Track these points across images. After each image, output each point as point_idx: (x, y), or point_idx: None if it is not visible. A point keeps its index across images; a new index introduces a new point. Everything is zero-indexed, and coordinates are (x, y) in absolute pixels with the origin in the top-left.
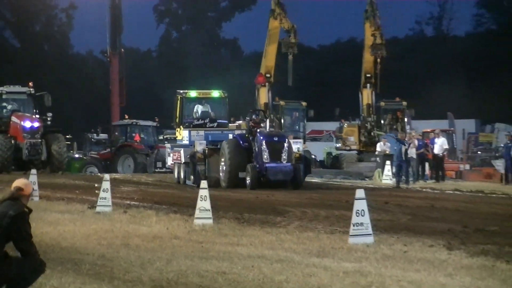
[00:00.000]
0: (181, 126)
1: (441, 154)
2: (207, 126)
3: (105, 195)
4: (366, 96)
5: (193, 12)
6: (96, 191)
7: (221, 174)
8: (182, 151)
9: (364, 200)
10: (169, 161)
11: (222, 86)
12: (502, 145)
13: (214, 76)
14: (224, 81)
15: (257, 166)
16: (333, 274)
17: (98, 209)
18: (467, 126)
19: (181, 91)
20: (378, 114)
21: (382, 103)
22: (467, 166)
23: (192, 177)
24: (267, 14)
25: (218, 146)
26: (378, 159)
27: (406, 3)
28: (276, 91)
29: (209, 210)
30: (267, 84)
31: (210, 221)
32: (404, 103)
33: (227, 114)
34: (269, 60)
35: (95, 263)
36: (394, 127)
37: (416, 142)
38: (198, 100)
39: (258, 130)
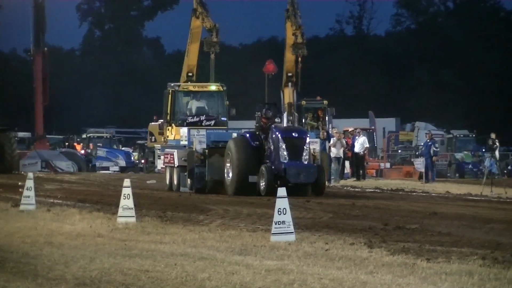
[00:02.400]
0: (172, 124)
1: (362, 153)
2: (203, 124)
3: (28, 194)
4: (287, 94)
5: (115, 11)
6: (20, 190)
7: (226, 178)
8: (175, 153)
9: (286, 199)
10: (159, 164)
11: (145, 86)
12: (422, 143)
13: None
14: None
15: (273, 167)
16: (256, 272)
17: (21, 207)
18: (388, 125)
19: (173, 84)
20: (299, 112)
21: (303, 102)
22: (388, 165)
23: (188, 182)
24: (189, 14)
25: (220, 146)
26: None
27: (326, 3)
28: None
29: (132, 208)
30: (188, 82)
31: (133, 219)
32: (325, 101)
33: (226, 110)
34: (191, 59)
35: (18, 261)
36: (316, 126)
37: (344, 141)
38: (193, 95)
39: (273, 126)
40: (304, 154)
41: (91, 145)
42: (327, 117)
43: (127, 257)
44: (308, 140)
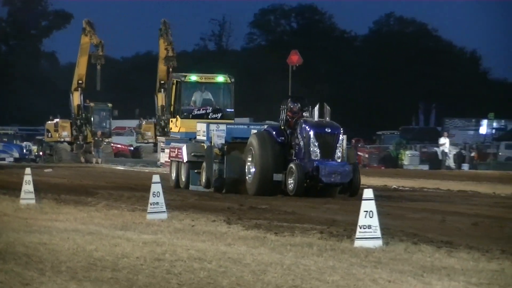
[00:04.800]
0: (177, 116)
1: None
2: (209, 117)
3: None
4: (161, 98)
5: (19, 30)
6: None
7: (247, 176)
8: (184, 148)
9: (159, 184)
10: (162, 158)
11: (43, 91)
12: None
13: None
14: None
15: (303, 164)
16: (134, 244)
17: None
18: None
19: (178, 74)
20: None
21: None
22: None
23: (203, 179)
24: (80, 32)
25: (239, 141)
26: None
27: (192, 23)
28: (87, 95)
29: (32, 192)
30: (79, 89)
31: (33, 201)
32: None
33: (233, 103)
34: (81, 69)
35: None
36: None
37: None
38: (199, 86)
39: (303, 120)
40: (337, 152)
41: None
42: None
43: (28, 233)
44: (341, 136)
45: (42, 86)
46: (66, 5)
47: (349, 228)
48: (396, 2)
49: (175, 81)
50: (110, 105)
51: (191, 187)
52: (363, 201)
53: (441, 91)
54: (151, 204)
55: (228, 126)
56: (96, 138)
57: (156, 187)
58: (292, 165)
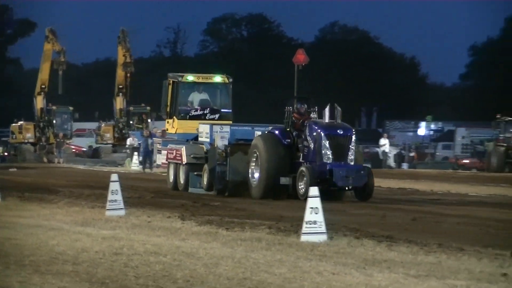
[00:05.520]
0: (174, 117)
1: None
2: (207, 117)
3: None
4: (119, 102)
5: None
6: None
7: (251, 180)
8: (184, 149)
9: (118, 182)
10: (159, 160)
11: (9, 95)
12: None
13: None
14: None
15: (314, 167)
16: (94, 239)
17: None
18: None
19: (175, 74)
20: (128, 116)
21: (131, 108)
22: None
23: (204, 181)
24: (43, 39)
25: (242, 143)
26: (128, 150)
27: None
28: (49, 99)
29: None
30: (42, 93)
31: None
32: (148, 108)
33: (231, 103)
34: (44, 75)
35: None
36: (141, 127)
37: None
38: (196, 86)
39: (312, 121)
40: (350, 154)
41: None
42: (150, 120)
43: None
44: (354, 138)
45: (7, 90)
46: (30, 14)
47: (295, 224)
48: (340, 11)
49: (171, 81)
50: (71, 108)
51: (191, 189)
52: (308, 199)
53: (382, 95)
54: (109, 202)
55: (232, 127)
56: (58, 140)
57: (114, 186)
58: (303, 168)
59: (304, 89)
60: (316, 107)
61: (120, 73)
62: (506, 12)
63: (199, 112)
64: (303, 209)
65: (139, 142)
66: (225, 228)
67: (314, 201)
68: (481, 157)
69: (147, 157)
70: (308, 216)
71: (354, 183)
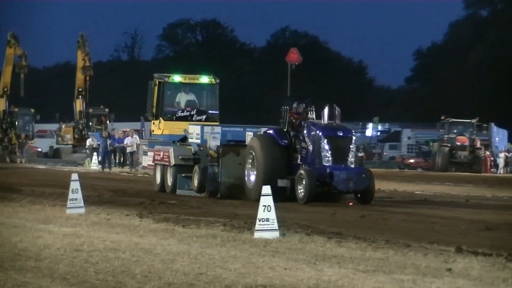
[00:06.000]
0: (160, 118)
1: (134, 148)
2: (193, 118)
3: None
4: (79, 104)
5: None
6: None
7: (247, 182)
8: (171, 150)
9: (78, 181)
10: (145, 161)
11: None
12: None
13: None
14: None
15: (314, 170)
16: (55, 236)
17: None
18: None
19: (161, 75)
20: (87, 117)
21: (90, 110)
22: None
23: (195, 183)
24: (5, 44)
25: (235, 144)
26: (87, 151)
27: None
28: (12, 101)
29: None
30: (4, 95)
31: None
32: (107, 110)
33: (218, 104)
34: (6, 78)
35: None
36: (100, 128)
37: (129, 137)
38: (182, 87)
39: (310, 122)
40: (350, 156)
41: None
42: (108, 121)
43: None
44: (354, 139)
45: None
46: None
47: (249, 221)
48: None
49: (157, 82)
50: (32, 110)
51: (179, 191)
52: (261, 197)
53: (331, 98)
54: (70, 200)
55: (223, 128)
56: (20, 140)
57: (75, 185)
58: (302, 171)
59: (252, 92)
60: (313, 107)
61: (79, 76)
62: (449, 18)
63: (185, 113)
64: (256, 207)
65: (98, 142)
66: (182, 225)
67: (266, 199)
68: (426, 157)
69: (106, 157)
70: (261, 213)
71: (355, 187)
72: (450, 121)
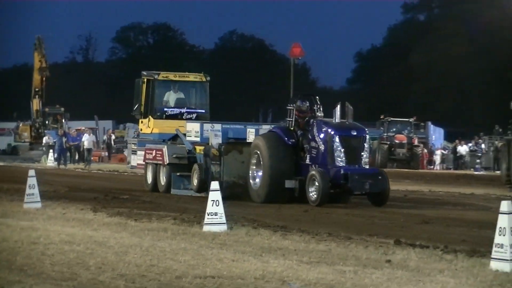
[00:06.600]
0: (149, 117)
1: (90, 146)
2: (184, 117)
3: None
4: (36, 103)
5: None
6: None
7: (251, 182)
8: (165, 149)
9: (35, 177)
10: (134, 161)
11: None
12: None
13: None
14: None
15: (326, 171)
16: (13, 229)
17: None
18: (107, 125)
19: (150, 72)
20: (44, 116)
21: (47, 109)
22: (106, 153)
23: (194, 182)
24: None
25: (237, 142)
26: (44, 148)
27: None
28: None
29: None
30: None
31: None
32: (62, 108)
33: (208, 102)
34: None
35: None
36: (56, 126)
37: (86, 135)
38: (172, 84)
39: (320, 121)
40: (364, 156)
41: None
42: (64, 120)
43: None
44: (368, 138)
45: None
46: None
47: (198, 215)
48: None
49: (145, 80)
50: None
51: (174, 191)
52: (210, 192)
53: (276, 97)
54: (27, 195)
55: (223, 125)
56: None
57: (32, 180)
58: (314, 172)
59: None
60: (320, 105)
61: (36, 77)
62: (388, 22)
63: (175, 112)
64: (205, 202)
65: (54, 140)
66: (134, 219)
67: (215, 194)
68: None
69: (62, 154)
70: (210, 208)
71: (371, 189)
72: (389, 120)
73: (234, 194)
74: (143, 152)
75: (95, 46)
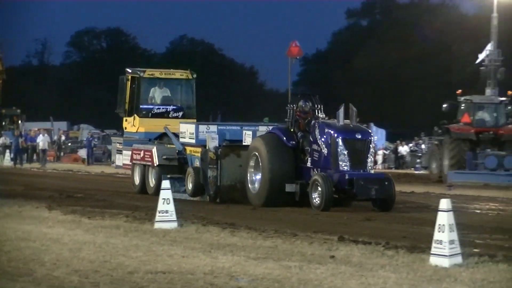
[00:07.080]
0: (135, 115)
1: (45, 146)
2: (170, 115)
3: None
4: None
5: None
6: None
7: (250, 185)
8: (155, 150)
9: None
10: (119, 161)
11: None
12: (84, 139)
13: None
14: None
15: (330, 176)
16: None
17: None
18: (62, 126)
19: (135, 70)
20: (0, 118)
21: (3, 111)
22: (62, 153)
23: (189, 186)
24: None
25: (234, 144)
26: (1, 148)
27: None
28: None
29: None
30: None
31: None
32: (19, 110)
33: (195, 100)
34: None
35: None
36: (13, 127)
37: (41, 136)
38: (158, 82)
39: (322, 122)
40: (369, 160)
41: None
42: (20, 121)
43: None
44: (373, 142)
45: None
46: None
47: (150, 213)
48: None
49: (130, 77)
50: None
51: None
52: (161, 191)
53: (225, 99)
54: None
55: (219, 127)
56: None
57: None
58: (317, 177)
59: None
60: (321, 106)
61: None
62: (333, 27)
63: (161, 110)
64: (156, 200)
65: (11, 141)
66: (87, 217)
67: (166, 193)
68: None
69: (18, 154)
70: (161, 206)
71: (377, 195)
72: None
73: (232, 199)
74: (129, 152)
75: (50, 50)
